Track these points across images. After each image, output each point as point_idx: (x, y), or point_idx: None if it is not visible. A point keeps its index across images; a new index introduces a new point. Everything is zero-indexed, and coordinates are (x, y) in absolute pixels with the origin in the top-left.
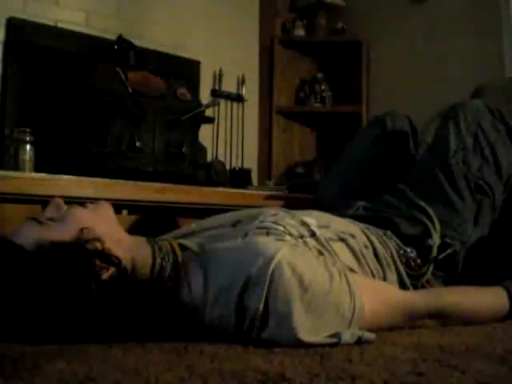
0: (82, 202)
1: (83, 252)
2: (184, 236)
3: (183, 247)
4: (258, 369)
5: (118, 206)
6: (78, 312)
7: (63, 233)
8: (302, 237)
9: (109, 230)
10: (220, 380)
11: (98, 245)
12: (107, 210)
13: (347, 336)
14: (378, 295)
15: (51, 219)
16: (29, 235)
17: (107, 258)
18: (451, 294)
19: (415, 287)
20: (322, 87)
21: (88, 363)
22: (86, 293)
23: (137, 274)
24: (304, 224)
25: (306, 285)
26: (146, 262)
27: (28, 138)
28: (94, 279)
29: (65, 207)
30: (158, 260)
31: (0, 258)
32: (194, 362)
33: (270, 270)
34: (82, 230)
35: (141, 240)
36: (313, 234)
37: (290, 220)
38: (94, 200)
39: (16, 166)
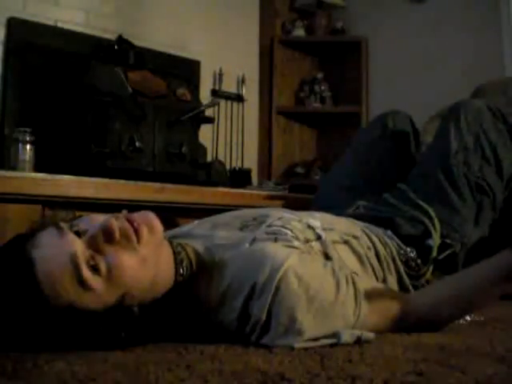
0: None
1: (114, 321)
2: (187, 236)
3: (195, 253)
4: (258, 369)
5: (118, 206)
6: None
7: (101, 302)
8: (308, 241)
9: (149, 282)
10: (220, 380)
11: (131, 310)
12: (157, 241)
13: (346, 336)
14: (381, 307)
15: (95, 264)
16: (62, 293)
17: (135, 323)
18: (438, 291)
19: (415, 287)
20: (322, 87)
21: (88, 363)
22: (101, 340)
23: (154, 299)
24: (309, 227)
25: (313, 295)
26: (168, 285)
27: (28, 138)
28: (114, 337)
29: (118, 239)
30: (179, 278)
31: (19, 306)
32: (194, 362)
33: (277, 280)
34: (123, 296)
35: (170, 260)
36: (318, 238)
37: (297, 223)
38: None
39: (16, 166)
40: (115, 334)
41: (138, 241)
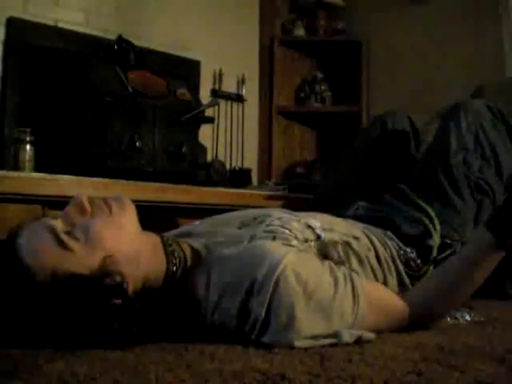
0: None
1: (102, 289)
2: (188, 235)
3: (191, 249)
4: (258, 369)
5: None
6: (84, 333)
7: (85, 265)
8: (307, 241)
9: (131, 250)
10: (220, 380)
11: (119, 279)
12: (131, 216)
13: (347, 336)
14: (380, 306)
15: (73, 234)
16: (44, 260)
17: (124, 294)
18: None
19: None
20: (322, 87)
21: (88, 363)
22: (95, 321)
23: (148, 287)
24: (309, 227)
25: (311, 292)
26: (160, 273)
27: (28, 138)
28: (107, 311)
29: (89, 208)
30: (171, 268)
31: (6, 282)
32: (194, 362)
33: (275, 277)
34: (105, 258)
35: (158, 248)
36: (318, 238)
37: (296, 223)
38: None
39: (16, 166)
40: (108, 312)
41: (110, 213)
